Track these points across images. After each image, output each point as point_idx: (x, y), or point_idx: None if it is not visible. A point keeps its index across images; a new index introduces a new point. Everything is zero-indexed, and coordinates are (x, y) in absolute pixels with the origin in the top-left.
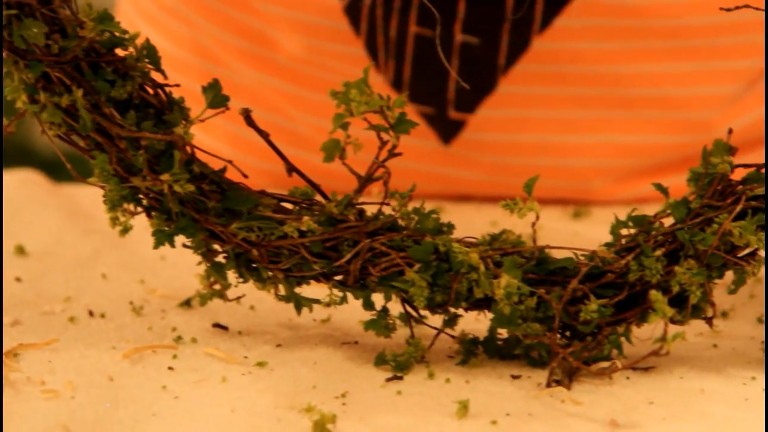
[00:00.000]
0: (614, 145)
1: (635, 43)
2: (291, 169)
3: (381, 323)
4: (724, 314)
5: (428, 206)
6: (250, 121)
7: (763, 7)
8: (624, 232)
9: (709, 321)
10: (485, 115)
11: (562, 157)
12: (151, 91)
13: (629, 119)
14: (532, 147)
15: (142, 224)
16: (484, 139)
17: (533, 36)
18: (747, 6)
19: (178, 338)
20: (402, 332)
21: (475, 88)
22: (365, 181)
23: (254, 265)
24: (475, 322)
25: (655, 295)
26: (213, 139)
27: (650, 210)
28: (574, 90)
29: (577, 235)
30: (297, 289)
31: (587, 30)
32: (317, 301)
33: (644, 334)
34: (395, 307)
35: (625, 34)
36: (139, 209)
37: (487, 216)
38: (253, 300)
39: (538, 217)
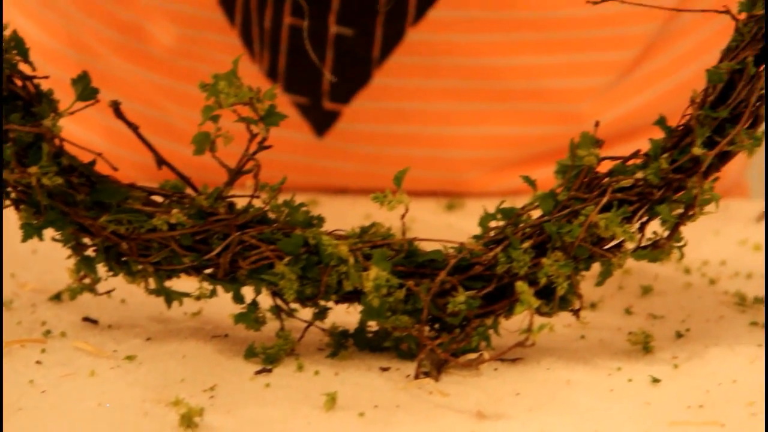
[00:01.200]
0: (488, 136)
1: (509, 35)
2: (160, 161)
3: (251, 316)
4: (593, 306)
5: (303, 198)
6: (118, 113)
7: (631, 2)
8: (493, 224)
9: (576, 312)
10: (360, 107)
11: (437, 149)
12: (19, 83)
13: (503, 111)
14: (407, 138)
15: (12, 217)
16: (359, 130)
17: (407, 28)
18: None
19: (48, 332)
20: (273, 325)
21: (350, 80)
22: (235, 173)
23: (124, 259)
24: (346, 315)
25: (521, 286)
26: (86, 131)
27: (523, 202)
28: (448, 82)
29: (450, 227)
30: (167, 283)
31: (461, 22)
32: (187, 295)
33: (514, 325)
34: (267, 300)
35: (499, 27)
36: (7, 202)
37: (361, 208)
38: (124, 293)
39: (407, 210)
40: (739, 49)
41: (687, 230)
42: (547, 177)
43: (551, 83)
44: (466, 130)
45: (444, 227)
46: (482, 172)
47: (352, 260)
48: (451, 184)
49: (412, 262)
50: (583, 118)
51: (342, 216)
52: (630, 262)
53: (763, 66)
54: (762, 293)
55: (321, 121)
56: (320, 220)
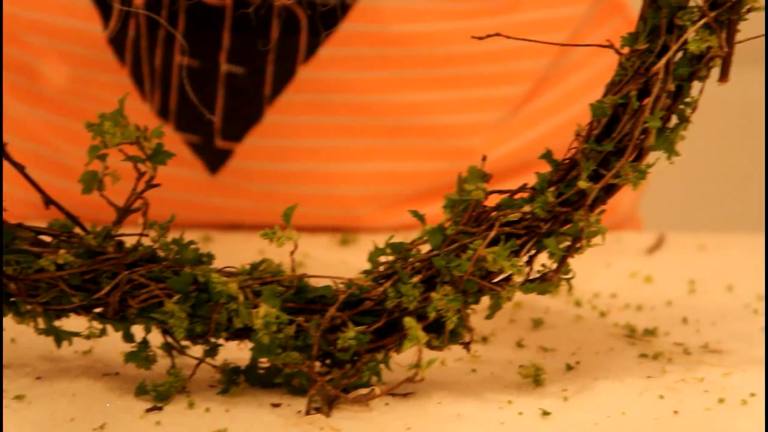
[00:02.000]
0: (380, 172)
1: (398, 72)
2: (48, 201)
3: (141, 355)
4: (484, 339)
5: (196, 235)
6: (4, 153)
7: (516, 37)
8: (383, 259)
9: (466, 346)
10: (252, 144)
11: (330, 185)
12: None
13: (395, 147)
14: (300, 175)
15: None
16: (252, 168)
17: (298, 66)
18: (498, 35)
19: None
20: (164, 362)
21: (242, 118)
22: (123, 212)
23: (12, 299)
24: (239, 351)
25: (409, 321)
26: None
27: (415, 237)
28: (340, 119)
29: (344, 263)
30: (57, 322)
31: (352, 59)
32: (77, 334)
33: (406, 360)
34: (158, 337)
35: (389, 64)
36: None
37: (255, 244)
38: (14, 332)
39: (296, 246)
40: (622, 83)
41: (579, 263)
42: (439, 212)
43: (442, 119)
44: (357, 166)
45: (338, 263)
46: (374, 208)
47: (241, 297)
48: (344, 220)
49: (302, 299)
50: (474, 154)
51: (236, 252)
52: (522, 296)
53: (647, 100)
54: (651, 325)
55: (214, 159)
56: (210, 257)
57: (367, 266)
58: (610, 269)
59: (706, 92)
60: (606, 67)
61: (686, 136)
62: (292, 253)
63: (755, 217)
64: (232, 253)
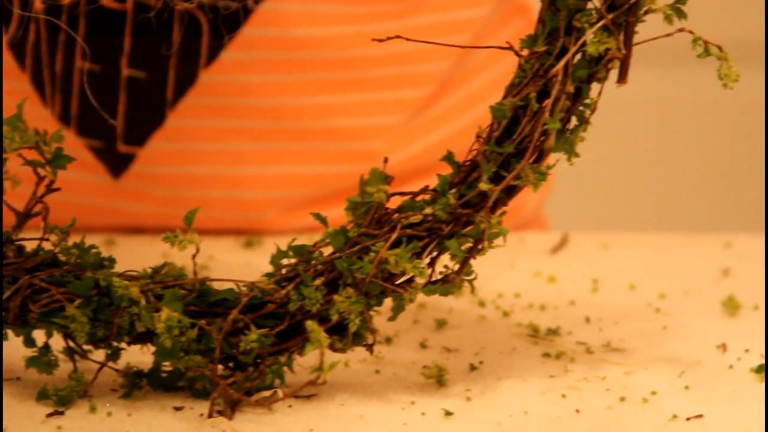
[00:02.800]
0: (285, 176)
1: (301, 75)
2: None
3: (43, 360)
4: (388, 340)
5: (100, 239)
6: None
7: (416, 39)
8: (285, 261)
9: (369, 348)
10: (155, 149)
11: (234, 189)
12: None
13: (298, 150)
14: (204, 179)
15: None
16: (155, 172)
17: (200, 70)
18: (398, 37)
19: None
20: (66, 367)
21: (144, 122)
22: (23, 217)
23: None
24: (141, 355)
25: (310, 325)
26: None
27: (318, 239)
28: (243, 123)
29: (248, 265)
30: None
31: (254, 63)
32: None
33: (309, 362)
34: (60, 341)
35: (292, 67)
36: None
37: (159, 248)
38: None
39: (198, 249)
40: (522, 85)
41: (482, 263)
42: (343, 214)
43: (345, 122)
44: (261, 169)
45: (242, 265)
46: (279, 211)
47: (143, 301)
48: (249, 223)
49: (204, 302)
50: (378, 156)
51: (139, 256)
52: (425, 297)
53: (546, 102)
54: (554, 324)
55: (116, 164)
56: (111, 261)
57: (271, 269)
58: (514, 269)
59: (623, 89)
60: (508, 68)
61: (586, 137)
62: (194, 256)
63: (659, 216)
64: (135, 257)
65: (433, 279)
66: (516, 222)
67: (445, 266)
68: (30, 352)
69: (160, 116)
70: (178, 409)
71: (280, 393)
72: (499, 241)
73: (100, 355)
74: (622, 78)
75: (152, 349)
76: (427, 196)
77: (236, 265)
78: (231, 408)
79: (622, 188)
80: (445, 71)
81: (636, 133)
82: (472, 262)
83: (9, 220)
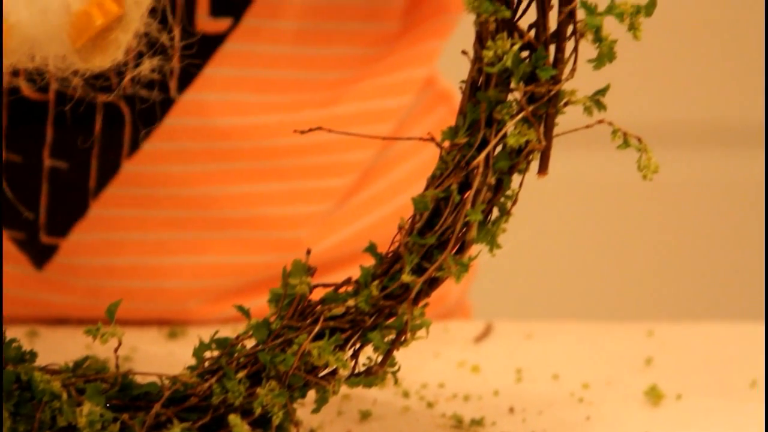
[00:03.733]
0: (208, 265)
1: (223, 164)
2: None
3: None
4: None
5: (22, 331)
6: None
7: (337, 131)
8: (208, 354)
9: None
10: (78, 239)
11: (158, 279)
12: None
13: (222, 240)
14: (127, 270)
15: None
16: (78, 263)
17: (123, 160)
18: (320, 128)
19: None
20: None
21: (67, 213)
22: None
23: None
24: None
25: (233, 419)
26: None
27: (241, 331)
28: (166, 212)
29: (172, 356)
30: None
31: (176, 153)
32: None
33: None
34: None
35: (214, 156)
36: None
37: (82, 339)
38: None
39: (120, 343)
40: (443, 177)
41: (407, 353)
42: (265, 305)
43: (268, 211)
44: (185, 259)
45: (166, 356)
46: (203, 301)
47: (65, 396)
48: (173, 314)
49: (126, 395)
50: (302, 245)
51: (63, 347)
52: (349, 388)
53: (468, 193)
54: (478, 415)
55: (39, 255)
56: (33, 355)
57: (195, 360)
58: (438, 359)
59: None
60: (432, 156)
61: (510, 226)
62: (116, 350)
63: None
64: (58, 348)
65: (357, 371)
66: (440, 310)
67: (369, 358)
68: None
69: (83, 206)
70: None
71: None
72: (422, 332)
73: None
74: (542, 169)
75: None
76: (350, 288)
77: (160, 357)
78: None
79: (546, 275)
80: (368, 160)
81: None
82: (395, 352)
83: None
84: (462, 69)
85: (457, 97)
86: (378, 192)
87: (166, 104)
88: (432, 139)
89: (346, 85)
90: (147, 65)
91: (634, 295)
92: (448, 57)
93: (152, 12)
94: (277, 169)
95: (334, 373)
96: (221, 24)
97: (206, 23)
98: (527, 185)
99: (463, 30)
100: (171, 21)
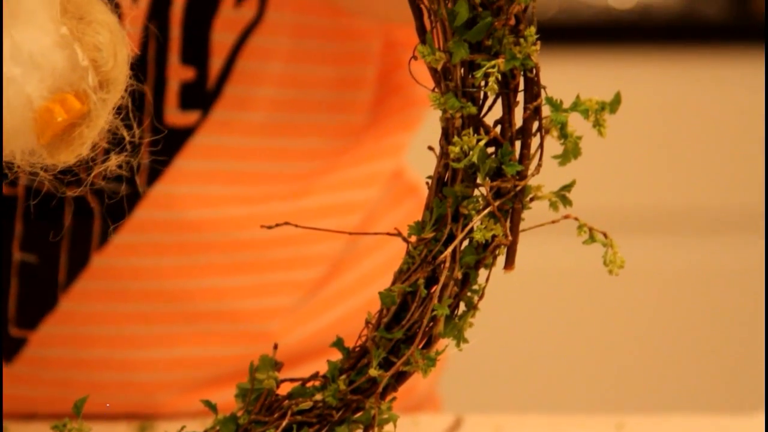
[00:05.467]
0: (178, 358)
1: (193, 257)
2: None
3: None
4: None
5: None
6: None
7: (305, 226)
8: None
9: None
10: (47, 332)
11: (127, 373)
12: None
13: (192, 333)
14: (97, 363)
15: None
16: (48, 355)
17: (92, 253)
18: (287, 223)
19: None
20: None
21: (37, 306)
22: None
23: None
24: None
25: None
26: None
27: (208, 426)
28: (136, 306)
29: None
30: None
31: (145, 246)
32: None
33: None
34: None
35: (183, 249)
36: None
37: None
38: None
39: None
40: (410, 271)
41: None
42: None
43: (238, 304)
44: (155, 352)
45: None
46: (173, 394)
47: None
48: (143, 407)
49: None
50: (271, 338)
51: None
52: None
53: (435, 287)
54: None
55: (8, 348)
56: None
57: None
58: None
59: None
60: (400, 249)
61: (474, 322)
62: None
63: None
64: None
65: None
66: (409, 402)
67: None
68: None
69: (53, 300)
70: None
71: None
72: (389, 426)
73: None
74: (509, 264)
75: None
76: (317, 382)
77: None
78: None
79: (515, 368)
80: (336, 252)
81: (528, 313)
82: None
83: None
84: (429, 160)
85: (424, 189)
86: (346, 285)
87: (137, 197)
88: (399, 234)
89: (315, 177)
90: (114, 161)
91: (603, 388)
92: (416, 148)
93: (120, 107)
94: (246, 262)
95: None
96: (190, 117)
97: (175, 116)
98: (494, 278)
99: (431, 122)
100: (139, 116)
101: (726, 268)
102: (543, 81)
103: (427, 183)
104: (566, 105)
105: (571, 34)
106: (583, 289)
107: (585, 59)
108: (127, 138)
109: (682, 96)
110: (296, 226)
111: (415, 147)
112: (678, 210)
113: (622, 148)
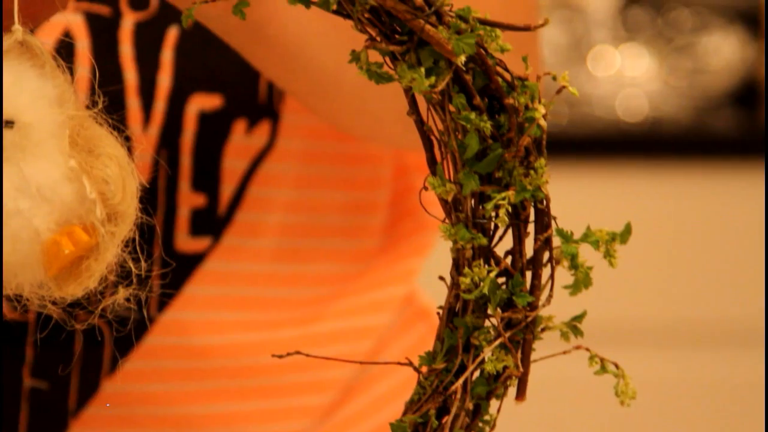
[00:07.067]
0: None
1: (203, 383)
2: None
3: None
4: None
5: None
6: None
7: (315, 355)
8: None
9: None
10: None
11: None
12: None
13: None
14: None
15: None
16: None
17: (102, 380)
18: (298, 353)
19: None
20: None
21: None
22: None
23: None
24: None
25: None
26: None
27: None
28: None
29: None
30: None
31: (155, 372)
32: None
33: None
34: None
35: (193, 375)
36: None
37: None
38: None
39: None
40: (421, 402)
41: None
42: None
43: (249, 429)
44: None
45: None
46: None
47: None
48: None
49: None
50: None
51: None
52: None
53: (446, 418)
54: None
55: None
56: None
57: None
58: None
59: None
60: (411, 375)
61: None
62: None
63: None
64: None
65: None
66: None
67: None
68: None
69: (62, 426)
70: None
71: None
72: None
73: None
74: (520, 395)
75: None
76: None
77: None
78: None
79: None
80: (347, 378)
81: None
82: None
83: None
84: (441, 286)
85: (436, 314)
86: (357, 410)
87: (147, 323)
88: (410, 363)
89: (326, 302)
90: (122, 293)
91: None
92: (427, 273)
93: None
94: (256, 387)
95: None
96: (201, 243)
97: (186, 243)
98: (505, 409)
99: (443, 249)
100: (148, 248)
101: (727, 381)
102: (553, 197)
103: (438, 313)
104: (577, 235)
105: (581, 146)
106: (593, 413)
107: (595, 171)
108: (134, 271)
109: (689, 209)
110: (307, 355)
111: (426, 272)
112: (680, 322)
113: (629, 261)
